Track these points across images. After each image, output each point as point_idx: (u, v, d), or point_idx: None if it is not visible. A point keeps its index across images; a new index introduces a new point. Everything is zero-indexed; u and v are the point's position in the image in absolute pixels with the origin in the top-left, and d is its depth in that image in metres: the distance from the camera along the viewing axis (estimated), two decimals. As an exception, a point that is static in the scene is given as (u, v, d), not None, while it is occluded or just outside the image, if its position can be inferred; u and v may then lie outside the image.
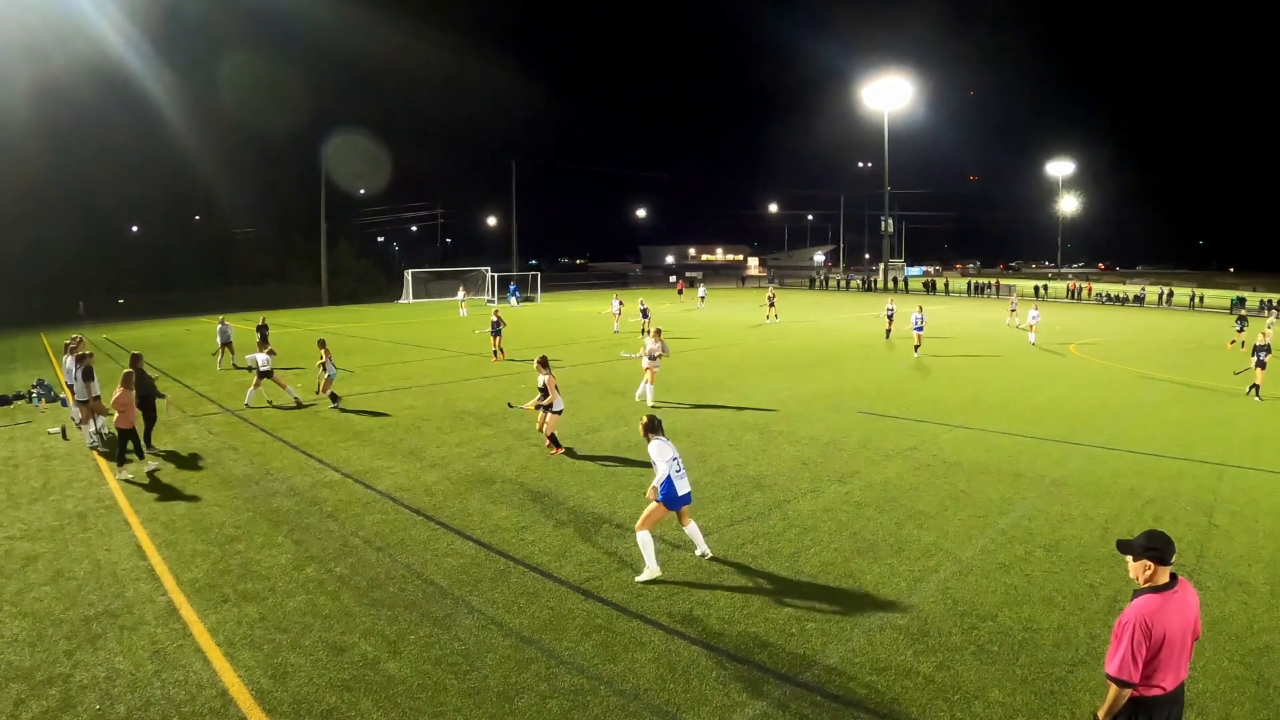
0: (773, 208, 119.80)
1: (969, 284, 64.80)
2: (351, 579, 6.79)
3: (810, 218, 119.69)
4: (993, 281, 64.32)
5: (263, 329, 20.81)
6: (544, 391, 10.67)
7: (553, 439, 10.94)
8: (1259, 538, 7.60)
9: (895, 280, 68.23)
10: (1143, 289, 55.68)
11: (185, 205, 61.82)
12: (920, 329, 21.65)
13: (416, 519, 8.32)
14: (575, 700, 4.91)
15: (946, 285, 66.34)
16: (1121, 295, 53.52)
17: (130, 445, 10.06)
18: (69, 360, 13.08)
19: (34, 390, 16.16)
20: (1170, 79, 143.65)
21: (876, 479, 9.61)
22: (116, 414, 10.01)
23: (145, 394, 11.28)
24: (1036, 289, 58.99)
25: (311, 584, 6.70)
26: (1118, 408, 14.35)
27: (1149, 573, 3.52)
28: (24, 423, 13.92)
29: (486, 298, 51.21)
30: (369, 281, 62.11)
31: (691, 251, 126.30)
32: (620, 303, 31.25)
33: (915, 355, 21.14)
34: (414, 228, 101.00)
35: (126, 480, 9.87)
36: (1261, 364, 15.50)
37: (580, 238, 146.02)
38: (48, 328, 35.62)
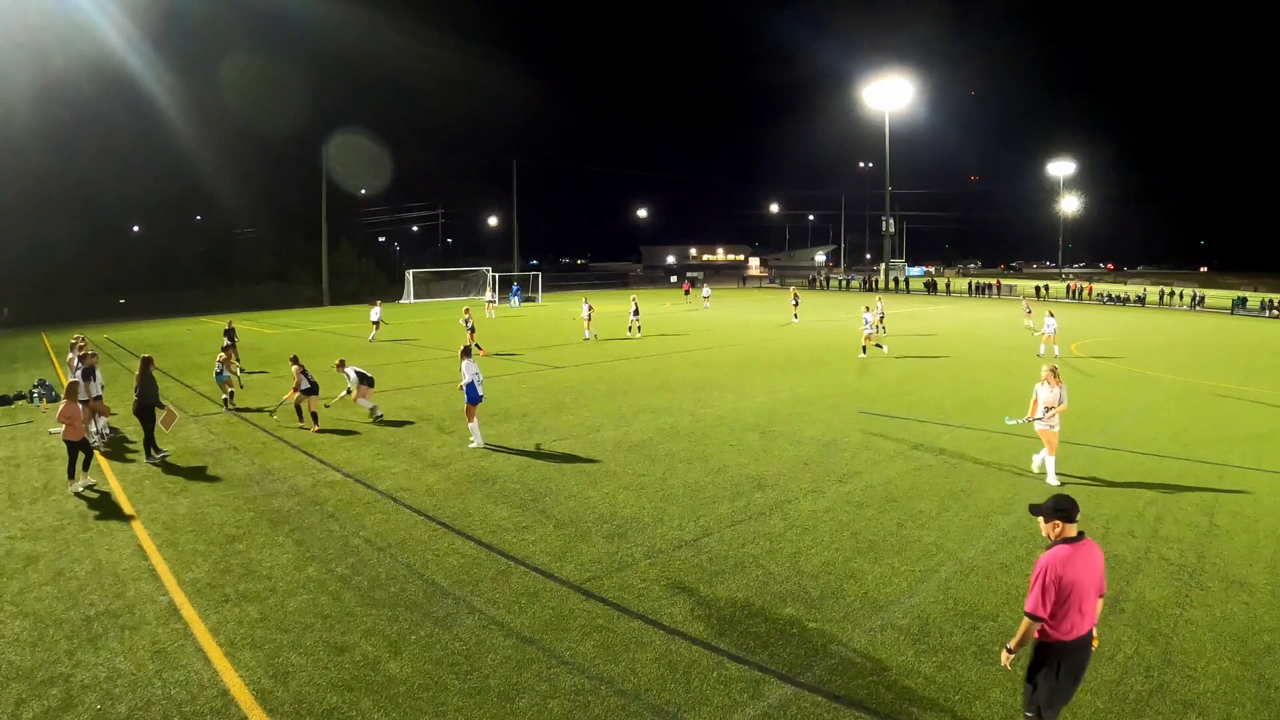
0: (774, 208, 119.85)
1: (970, 284, 64.78)
2: (352, 579, 6.80)
3: (811, 218, 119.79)
4: (993, 281, 64.30)
5: (230, 333, 19.84)
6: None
7: (297, 411, 12.92)
8: (1260, 537, 7.59)
9: (896, 280, 68.21)
10: (1144, 289, 55.63)
11: (186, 205, 61.81)
12: (869, 331, 21.73)
13: (417, 519, 8.32)
14: (576, 700, 4.91)
15: (948, 285, 66.30)
16: (1122, 295, 53.48)
17: (83, 457, 9.51)
18: (72, 360, 13.11)
19: (35, 390, 16.18)
20: (1171, 78, 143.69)
21: (877, 479, 9.60)
22: (64, 427, 9.40)
23: (147, 401, 10.92)
24: (1038, 289, 58.97)
25: (312, 584, 6.70)
26: (1119, 408, 14.34)
27: (1058, 530, 4.09)
28: (25, 422, 13.93)
29: (488, 297, 51.20)
30: (370, 281, 62.06)
31: (693, 252, 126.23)
32: (590, 306, 26.99)
33: (862, 356, 21.03)
34: (415, 228, 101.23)
35: (77, 494, 9.35)
36: None
37: (581, 238, 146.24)
38: None
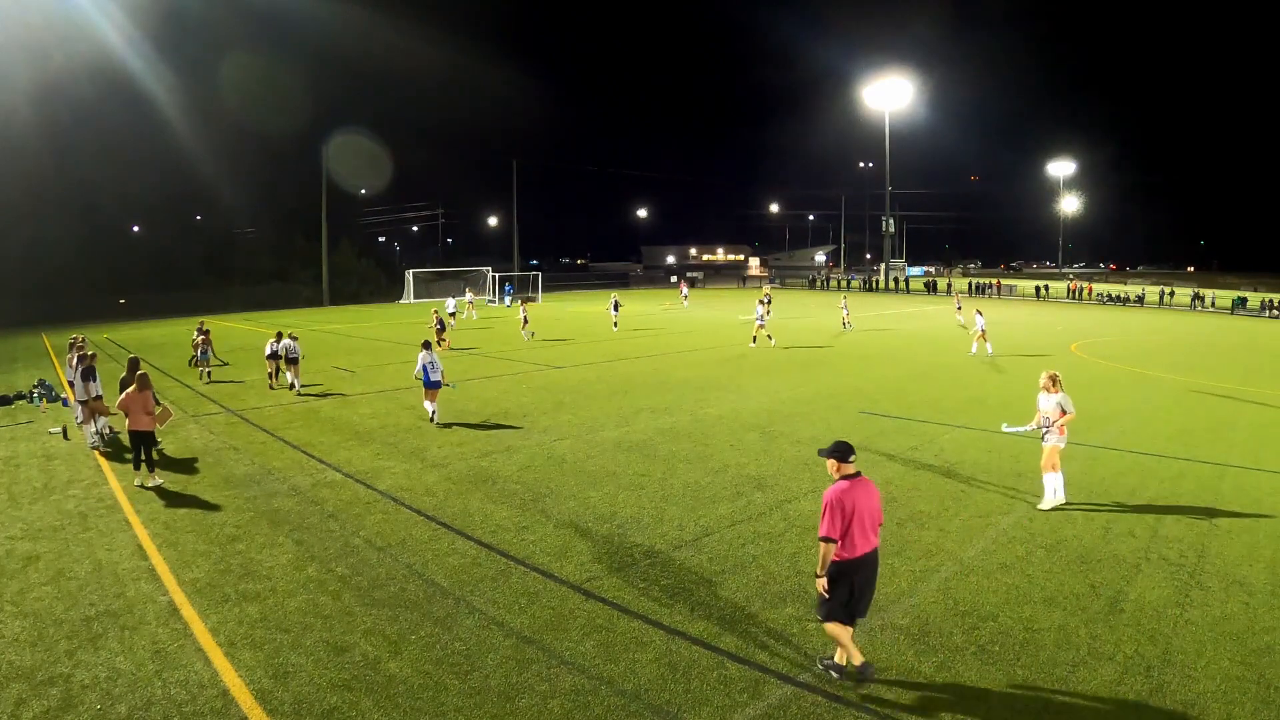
0: (774, 208, 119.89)
1: (970, 284, 64.81)
2: (352, 579, 6.79)
3: (811, 218, 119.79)
4: (993, 281, 64.31)
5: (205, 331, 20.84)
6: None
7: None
8: (1260, 538, 7.59)
9: (896, 280, 68.25)
10: (1143, 289, 55.63)
11: (186, 205, 61.91)
12: (761, 322, 24.22)
13: (417, 519, 8.32)
14: (576, 700, 4.91)
15: (949, 285, 66.32)
16: (1122, 295, 53.47)
17: (145, 452, 9.69)
18: (72, 359, 13.10)
19: (35, 390, 16.17)
20: (1172, 78, 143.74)
21: (878, 479, 9.52)
22: (127, 417, 9.56)
23: None
24: (1038, 289, 58.98)
25: (312, 584, 6.70)
26: (1119, 408, 14.33)
27: (835, 468, 5.11)
28: (25, 423, 13.93)
29: (487, 297, 51.29)
30: (370, 281, 62.13)
31: (693, 251, 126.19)
32: (524, 306, 28.39)
33: (752, 345, 23.30)
34: (415, 228, 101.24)
35: (141, 486, 9.53)
36: None
37: (581, 238, 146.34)
38: None
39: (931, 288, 64.92)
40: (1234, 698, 4.87)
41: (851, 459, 5.09)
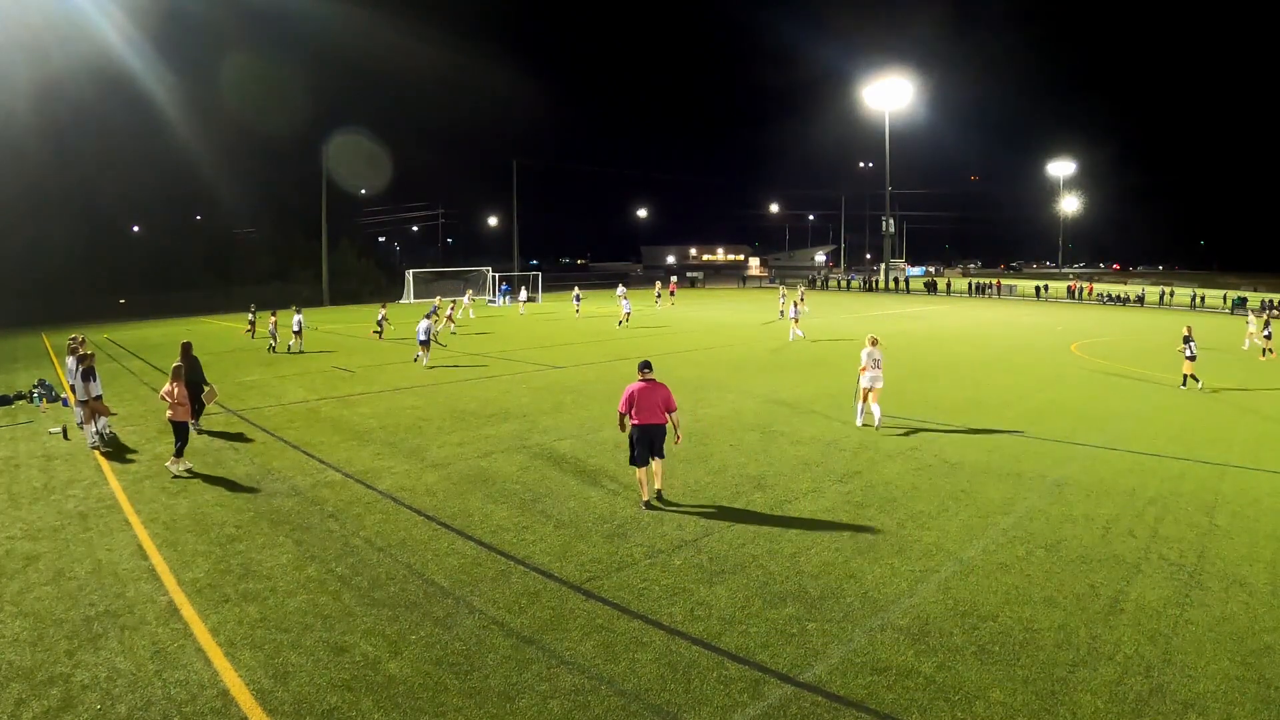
0: (774, 208, 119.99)
1: (970, 284, 64.81)
2: (352, 579, 6.79)
3: (811, 218, 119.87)
4: (994, 281, 64.31)
5: (253, 322, 27.94)
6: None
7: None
8: (1260, 538, 7.59)
9: (896, 280, 68.23)
10: (1143, 289, 55.63)
11: (186, 205, 61.92)
12: (628, 312, 30.92)
13: (417, 519, 8.32)
14: (576, 700, 4.91)
15: (948, 285, 66.29)
16: (1122, 295, 53.45)
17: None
18: (70, 360, 13.09)
19: (35, 390, 16.17)
20: (1172, 78, 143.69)
21: (877, 479, 9.60)
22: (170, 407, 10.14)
23: (192, 380, 11.41)
24: (1037, 289, 59.00)
25: (312, 584, 6.70)
26: (1119, 408, 14.34)
27: (639, 375, 8.35)
28: (25, 423, 13.92)
29: (488, 297, 51.32)
30: (370, 281, 62.14)
31: (693, 251, 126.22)
32: (384, 311, 28.64)
33: (619, 326, 29.62)
34: (415, 228, 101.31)
35: (185, 474, 10.07)
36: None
37: (581, 238, 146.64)
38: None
39: (932, 288, 64.89)
40: (1234, 698, 4.87)
41: (647, 372, 8.32)
